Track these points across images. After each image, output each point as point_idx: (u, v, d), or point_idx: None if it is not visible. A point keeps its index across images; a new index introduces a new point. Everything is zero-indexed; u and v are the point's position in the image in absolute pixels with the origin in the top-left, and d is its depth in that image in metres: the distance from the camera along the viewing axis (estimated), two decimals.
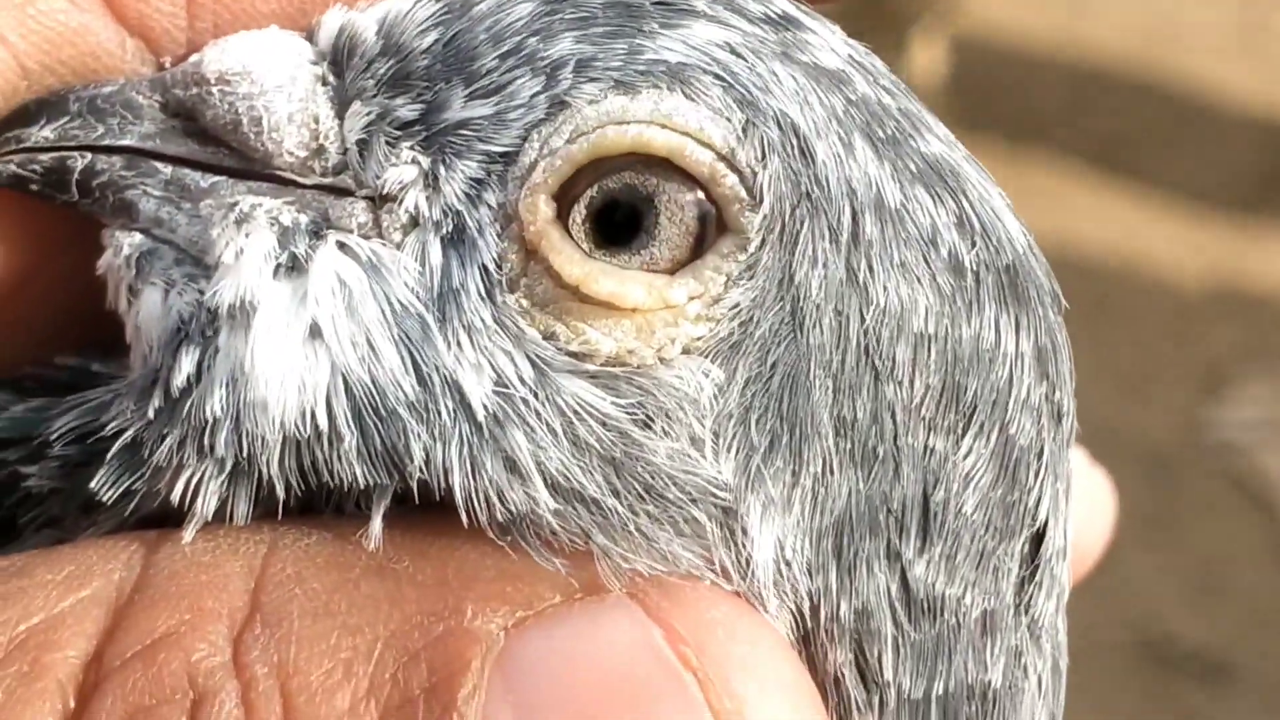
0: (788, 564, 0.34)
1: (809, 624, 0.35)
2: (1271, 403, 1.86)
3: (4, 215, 0.39)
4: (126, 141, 0.37)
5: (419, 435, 0.34)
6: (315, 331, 0.35)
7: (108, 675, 0.32)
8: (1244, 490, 1.77)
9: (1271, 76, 2.38)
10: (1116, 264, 2.07)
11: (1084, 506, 0.48)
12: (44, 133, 0.37)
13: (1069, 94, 2.34)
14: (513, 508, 0.34)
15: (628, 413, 0.34)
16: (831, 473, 0.34)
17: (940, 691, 0.36)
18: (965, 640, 0.36)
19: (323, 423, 0.34)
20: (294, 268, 0.35)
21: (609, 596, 0.33)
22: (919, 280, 0.35)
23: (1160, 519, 1.68)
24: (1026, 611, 0.37)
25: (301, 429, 0.34)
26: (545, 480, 0.34)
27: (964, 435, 0.35)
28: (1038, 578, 0.37)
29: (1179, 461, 1.78)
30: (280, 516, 0.35)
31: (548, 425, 0.34)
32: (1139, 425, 1.79)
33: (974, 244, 0.36)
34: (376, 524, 0.34)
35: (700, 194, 0.34)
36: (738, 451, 0.34)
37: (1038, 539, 0.37)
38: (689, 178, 0.34)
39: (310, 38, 0.37)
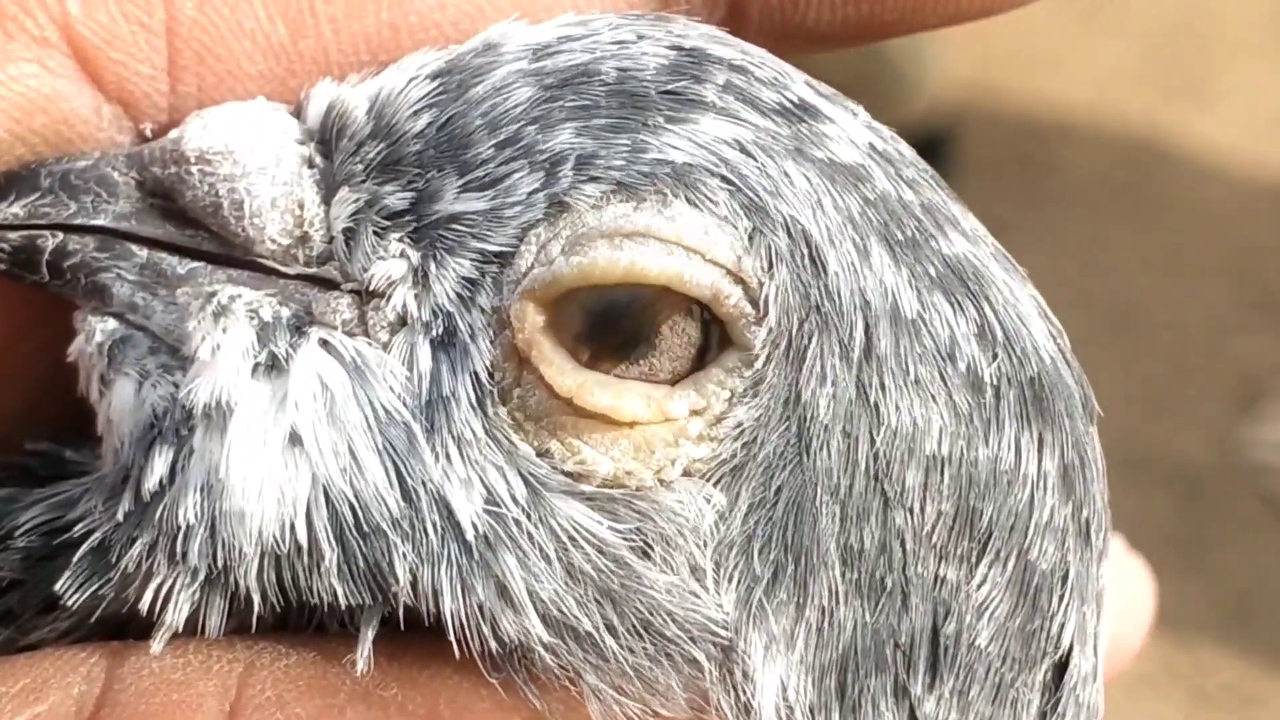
0: (790, 708, 0.33)
1: None
2: None
3: None
4: (100, 221, 0.35)
5: (404, 555, 0.32)
6: (295, 439, 0.33)
7: None
8: (1279, 513, 1.73)
9: None
10: (1147, 274, 2.04)
11: (1121, 598, 0.46)
12: (13, 209, 0.35)
13: (1094, 94, 2.30)
14: (505, 638, 0.32)
15: (625, 539, 0.32)
16: (837, 605, 0.33)
17: None
18: None
19: (302, 537, 0.33)
20: (274, 366, 0.34)
21: None
22: (934, 399, 0.33)
23: (1191, 542, 1.65)
24: None
25: (281, 543, 0.33)
26: (538, 611, 0.32)
27: (978, 563, 0.34)
28: (1060, 708, 0.35)
29: (1211, 482, 1.74)
30: (255, 630, 0.34)
31: (541, 550, 0.32)
32: (1169, 444, 1.76)
33: (995, 356, 0.34)
34: (365, 648, 0.32)
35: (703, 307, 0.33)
36: (739, 583, 0.32)
37: (1061, 667, 0.35)
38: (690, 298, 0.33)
39: (298, 113, 0.36)
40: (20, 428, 0.38)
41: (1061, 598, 0.35)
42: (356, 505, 0.32)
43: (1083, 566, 0.35)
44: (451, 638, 0.32)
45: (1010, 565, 0.34)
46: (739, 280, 0.33)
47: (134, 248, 0.35)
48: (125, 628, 0.34)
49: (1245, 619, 1.63)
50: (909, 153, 0.36)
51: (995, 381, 0.34)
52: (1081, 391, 0.36)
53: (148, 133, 0.37)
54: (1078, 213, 2.06)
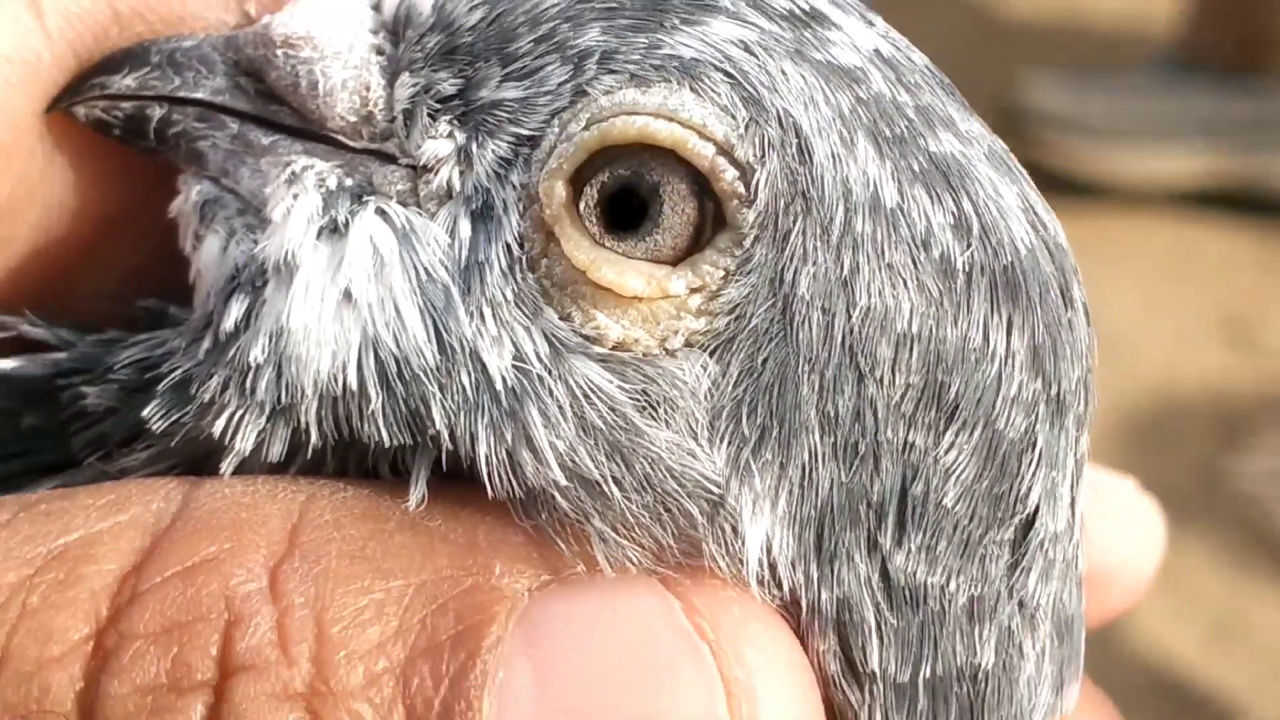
0: (773, 557, 0.36)
1: (791, 614, 0.36)
2: None
3: (101, 157, 0.42)
4: (199, 94, 0.39)
5: (440, 402, 0.36)
6: (348, 295, 0.37)
7: (146, 590, 0.34)
8: (1263, 541, 1.76)
9: None
10: (1135, 309, 2.07)
11: (1132, 532, 0.50)
12: (126, 81, 0.40)
13: None
14: (529, 483, 0.35)
15: (632, 398, 0.35)
16: (816, 466, 0.35)
17: (928, 675, 0.37)
18: (952, 625, 0.37)
19: (353, 382, 0.36)
20: (335, 230, 0.37)
21: (630, 569, 0.35)
22: (905, 282, 0.36)
23: (1177, 568, 1.67)
24: (1014, 594, 0.38)
25: (335, 385, 0.36)
26: (556, 460, 0.35)
27: (945, 431, 0.36)
28: (1026, 561, 0.38)
29: (1197, 511, 1.77)
30: (316, 471, 0.37)
31: (559, 404, 0.35)
32: (1157, 473, 1.78)
33: (969, 245, 0.36)
34: (420, 486, 0.36)
35: (702, 186, 0.36)
36: (729, 444, 0.35)
37: (1027, 525, 0.38)
38: (692, 170, 0.36)
39: (378, 5, 0.39)
40: (137, 284, 0.43)
41: (1031, 463, 0.37)
42: (398, 354, 0.36)
43: (1053, 435, 0.38)
44: (485, 481, 0.35)
45: (977, 433, 0.36)
46: (735, 163, 0.35)
47: (227, 119, 0.39)
48: (201, 469, 0.38)
49: (1227, 640, 1.64)
50: (920, 61, 0.39)
51: (967, 269, 0.36)
52: (1061, 279, 0.38)
53: (251, 11, 0.41)
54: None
